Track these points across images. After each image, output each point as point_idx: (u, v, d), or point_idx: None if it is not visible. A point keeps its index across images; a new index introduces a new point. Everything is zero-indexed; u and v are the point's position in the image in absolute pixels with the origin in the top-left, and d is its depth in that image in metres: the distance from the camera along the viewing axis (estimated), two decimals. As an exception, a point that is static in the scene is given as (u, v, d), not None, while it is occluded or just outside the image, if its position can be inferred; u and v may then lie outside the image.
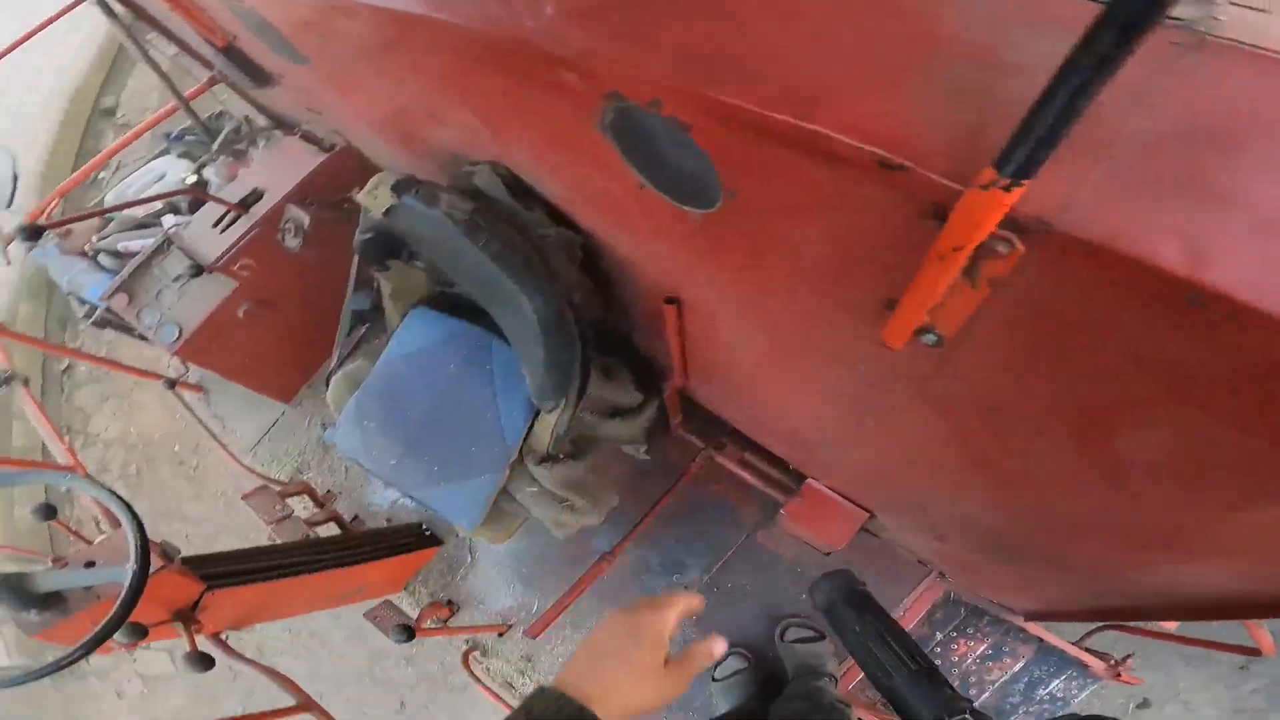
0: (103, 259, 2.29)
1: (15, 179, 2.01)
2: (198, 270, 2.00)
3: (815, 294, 0.84)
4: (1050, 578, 1.25)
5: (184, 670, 1.35)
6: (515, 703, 1.86)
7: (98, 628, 1.11)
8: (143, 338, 2.30)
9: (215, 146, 2.58)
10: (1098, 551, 0.96)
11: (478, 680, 2.04)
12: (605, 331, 1.56)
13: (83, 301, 2.25)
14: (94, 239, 2.34)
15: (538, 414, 1.51)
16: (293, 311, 2.37)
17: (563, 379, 1.32)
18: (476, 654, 2.18)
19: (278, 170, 2.24)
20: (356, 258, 1.72)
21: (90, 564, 1.26)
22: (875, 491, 1.46)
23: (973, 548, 1.31)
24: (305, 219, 2.14)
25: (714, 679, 1.88)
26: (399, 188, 1.30)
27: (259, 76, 2.02)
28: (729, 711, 1.75)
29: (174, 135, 2.68)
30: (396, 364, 1.72)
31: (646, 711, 0.62)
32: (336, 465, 2.64)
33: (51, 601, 1.21)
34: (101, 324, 2.34)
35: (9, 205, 1.99)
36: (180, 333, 2.10)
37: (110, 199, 2.52)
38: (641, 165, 0.82)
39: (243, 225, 2.14)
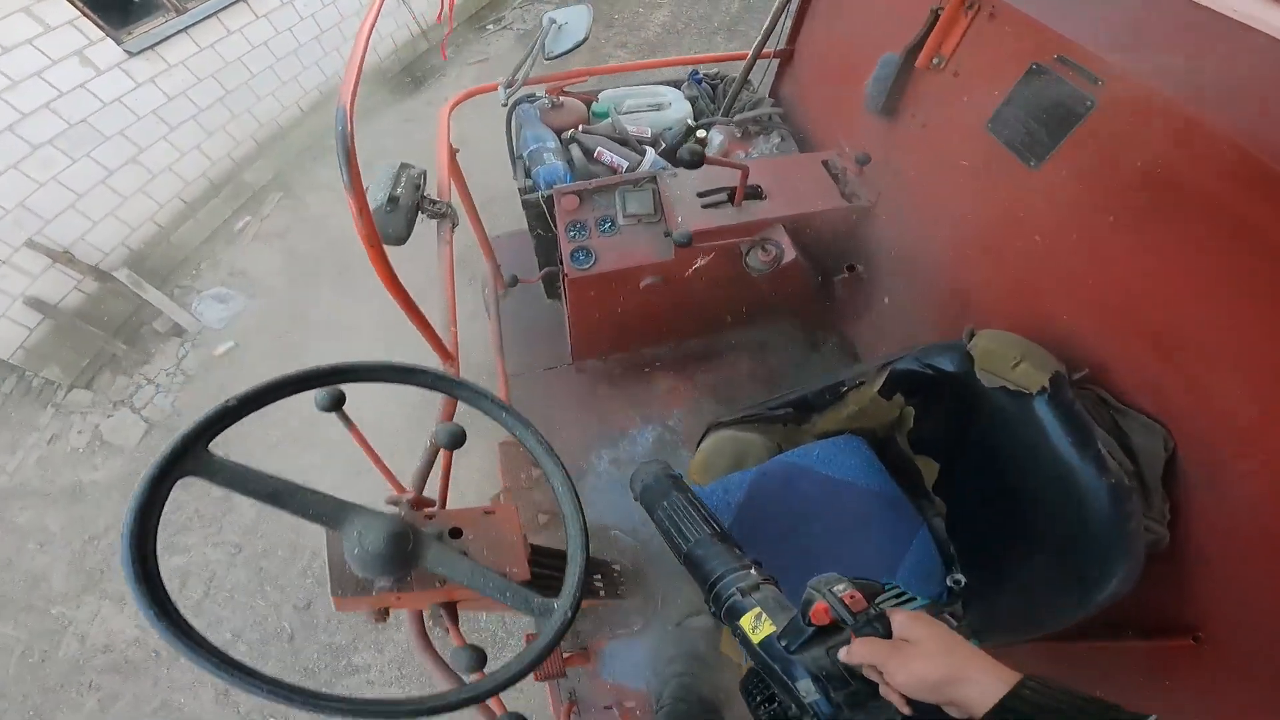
0: (574, 149, 2.11)
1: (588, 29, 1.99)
2: (688, 241, 1.71)
3: None
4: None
5: (453, 661, 0.93)
6: None
7: (507, 674, 0.79)
8: (540, 235, 2.11)
9: (722, 111, 2.36)
10: None
11: None
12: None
13: (528, 173, 2.08)
14: (581, 127, 2.17)
15: None
16: (668, 309, 2.07)
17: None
18: (576, 710, 1.84)
19: (787, 182, 1.93)
20: (885, 371, 1.42)
21: (456, 533, 0.92)
22: None
23: None
24: (788, 254, 1.80)
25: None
26: (1056, 382, 1.14)
27: (890, 105, 1.73)
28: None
29: (695, 75, 2.50)
30: (805, 475, 1.51)
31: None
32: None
33: (407, 569, 0.84)
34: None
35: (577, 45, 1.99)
36: (594, 264, 1.85)
37: (606, 96, 2.38)
38: None
39: (728, 215, 1.84)
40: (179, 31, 4.20)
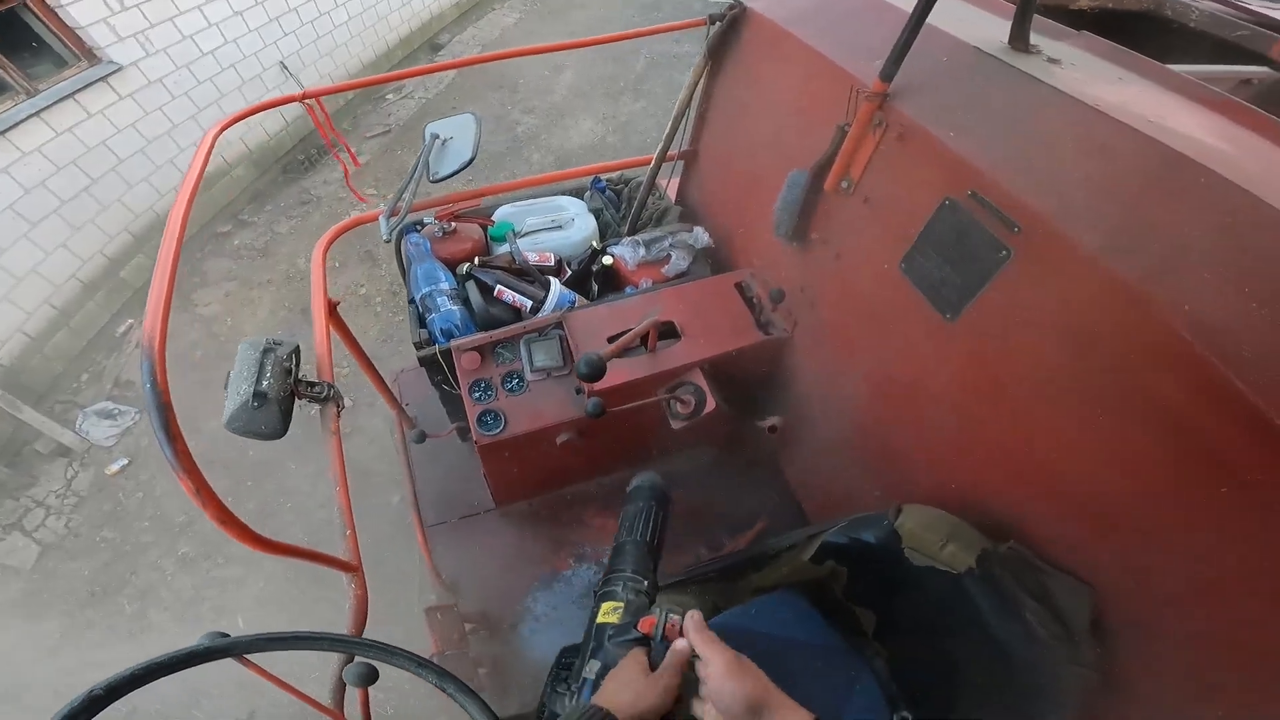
0: (471, 287, 1.94)
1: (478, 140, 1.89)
2: (600, 411, 1.54)
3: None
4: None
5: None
6: None
7: None
8: (446, 389, 1.92)
9: (626, 227, 2.23)
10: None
11: None
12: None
13: (422, 320, 1.90)
14: (477, 258, 2.00)
15: None
16: (588, 453, 1.91)
17: None
18: None
19: (702, 314, 1.82)
20: (815, 542, 1.41)
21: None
22: None
23: None
24: (708, 404, 1.68)
25: None
26: (985, 561, 1.14)
27: (800, 230, 1.61)
28: None
29: (598, 183, 2.36)
30: (743, 638, 1.35)
31: (653, 709, 0.76)
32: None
33: None
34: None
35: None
36: (504, 428, 1.69)
37: (502, 214, 2.22)
38: None
39: (643, 363, 1.71)
40: (31, 115, 3.79)
